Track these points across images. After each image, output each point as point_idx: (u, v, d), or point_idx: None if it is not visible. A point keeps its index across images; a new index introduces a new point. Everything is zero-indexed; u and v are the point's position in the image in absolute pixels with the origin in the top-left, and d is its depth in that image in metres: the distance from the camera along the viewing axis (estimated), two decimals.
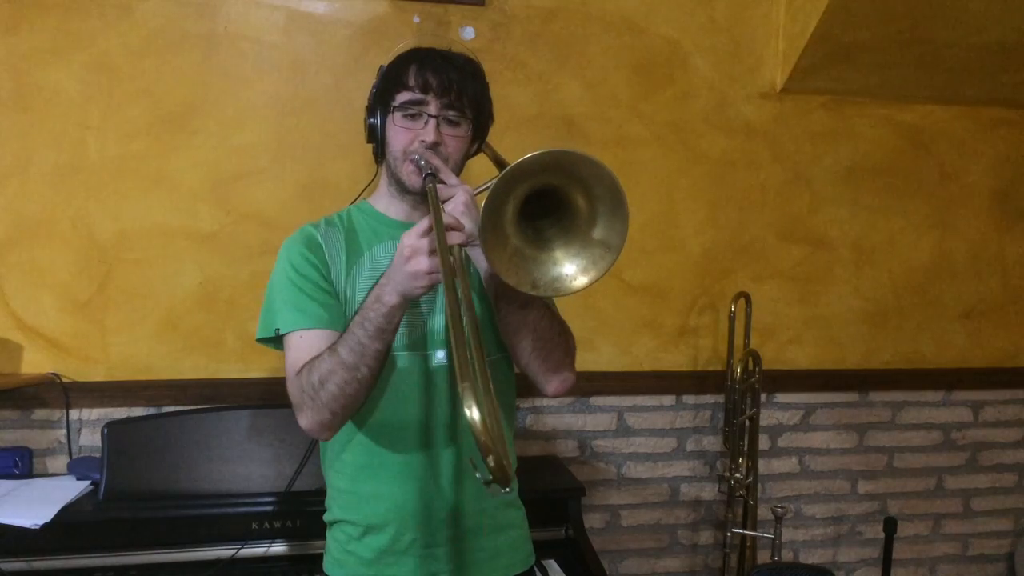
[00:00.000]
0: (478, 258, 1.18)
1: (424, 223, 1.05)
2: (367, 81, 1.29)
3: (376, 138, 1.28)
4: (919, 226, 2.36)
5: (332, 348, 1.15)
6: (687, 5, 2.13)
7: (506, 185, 0.99)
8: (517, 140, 2.04)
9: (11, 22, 1.82)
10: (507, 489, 0.84)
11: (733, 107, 2.20)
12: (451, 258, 1.03)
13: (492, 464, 0.82)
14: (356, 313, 1.16)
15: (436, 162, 1.19)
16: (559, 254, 1.06)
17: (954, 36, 2.05)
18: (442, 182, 1.16)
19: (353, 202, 1.39)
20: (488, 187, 1.26)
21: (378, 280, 1.13)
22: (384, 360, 1.17)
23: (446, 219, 1.05)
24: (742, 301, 2.19)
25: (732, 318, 2.18)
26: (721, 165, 2.21)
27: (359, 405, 1.21)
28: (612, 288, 2.18)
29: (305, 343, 1.21)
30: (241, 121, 1.94)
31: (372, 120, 1.28)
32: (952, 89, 2.26)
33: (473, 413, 0.82)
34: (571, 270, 1.06)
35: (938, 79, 2.21)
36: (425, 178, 1.18)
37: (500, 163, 1.40)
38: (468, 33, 2.02)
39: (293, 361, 1.21)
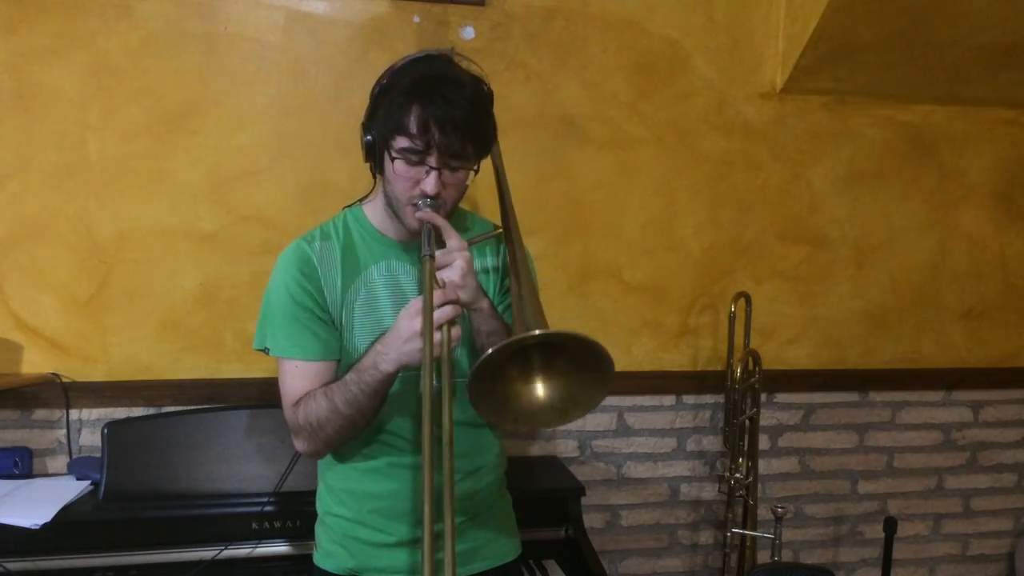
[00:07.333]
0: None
1: (418, 304, 1.10)
2: (367, 81, 1.28)
3: (373, 157, 1.24)
4: (919, 226, 2.36)
5: (329, 396, 1.19)
6: (687, 5, 2.13)
7: (502, 352, 1.01)
8: (517, 140, 2.04)
9: (11, 22, 1.82)
10: None
11: (733, 107, 2.20)
12: (446, 341, 1.08)
13: None
14: (352, 370, 1.19)
15: (439, 222, 1.17)
16: (539, 394, 1.10)
17: (954, 36, 2.05)
18: (441, 243, 1.16)
19: (348, 207, 1.37)
20: (483, 238, 1.31)
21: (372, 346, 1.17)
22: (379, 408, 1.22)
23: (438, 297, 1.08)
24: (742, 301, 2.19)
25: (732, 318, 2.18)
26: (721, 165, 2.21)
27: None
28: (612, 288, 2.18)
29: (300, 373, 1.24)
30: (241, 121, 1.93)
31: (368, 139, 1.22)
32: (952, 89, 2.25)
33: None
34: (547, 412, 1.10)
35: (938, 79, 2.21)
36: (422, 256, 1.14)
37: (499, 171, 1.40)
38: (468, 33, 2.01)
39: (288, 389, 1.26)
